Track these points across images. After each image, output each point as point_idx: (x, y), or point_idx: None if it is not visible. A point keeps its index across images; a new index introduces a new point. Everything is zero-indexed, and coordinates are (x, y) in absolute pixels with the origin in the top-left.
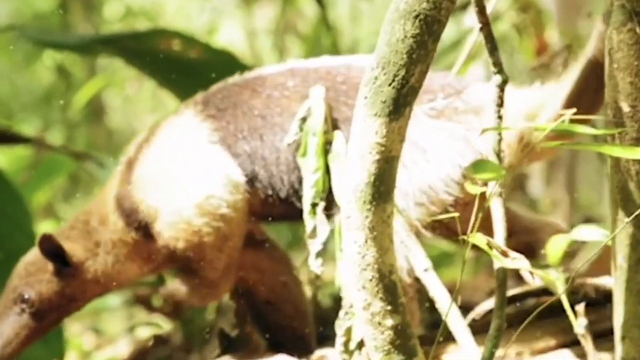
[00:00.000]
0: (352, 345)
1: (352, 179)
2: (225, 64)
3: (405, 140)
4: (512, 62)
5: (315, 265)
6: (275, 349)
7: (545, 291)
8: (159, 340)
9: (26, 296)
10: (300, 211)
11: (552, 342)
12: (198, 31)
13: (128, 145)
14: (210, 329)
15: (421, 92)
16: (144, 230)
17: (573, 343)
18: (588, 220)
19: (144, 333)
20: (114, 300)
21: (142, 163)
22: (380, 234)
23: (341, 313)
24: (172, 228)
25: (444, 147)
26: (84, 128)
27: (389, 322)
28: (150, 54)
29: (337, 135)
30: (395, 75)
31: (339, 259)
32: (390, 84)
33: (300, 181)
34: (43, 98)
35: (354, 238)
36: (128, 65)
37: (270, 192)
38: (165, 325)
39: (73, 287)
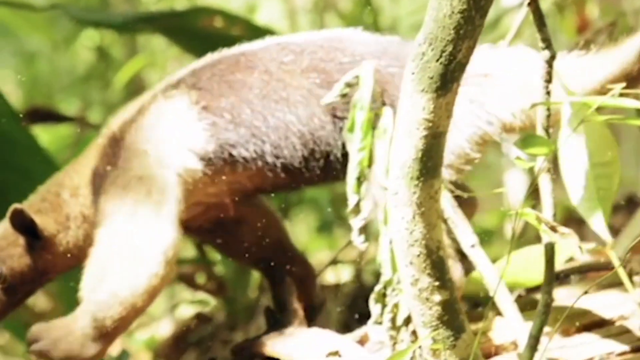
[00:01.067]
0: (399, 321)
1: (399, 155)
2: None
3: None
4: (553, 40)
5: (358, 241)
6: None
7: (591, 267)
8: (202, 318)
9: None
10: (305, 178)
11: (596, 318)
12: (238, 10)
13: (111, 121)
14: (254, 306)
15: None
16: None
17: (619, 319)
18: (630, 199)
19: (187, 311)
20: None
21: (127, 145)
22: (427, 209)
23: (376, 287)
24: None
25: (463, 110)
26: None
27: (437, 297)
28: (192, 32)
29: (385, 111)
30: (442, 51)
31: (382, 236)
32: (437, 60)
33: (309, 151)
34: (83, 78)
35: (401, 214)
36: (169, 43)
37: (276, 165)
38: (209, 303)
39: (45, 260)
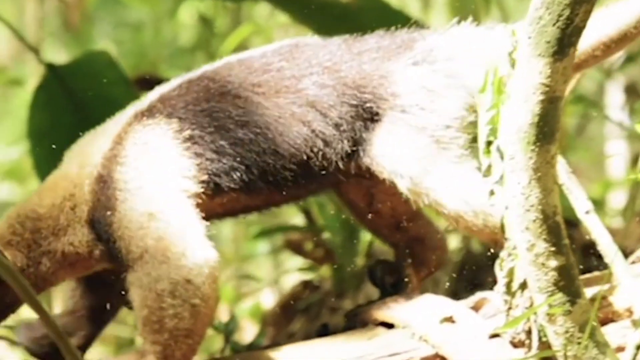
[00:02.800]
0: (515, 286)
1: (515, 120)
2: (377, 10)
3: (416, 87)
4: None
5: (489, 203)
6: None
7: None
8: (310, 286)
9: None
10: (299, 193)
11: None
12: None
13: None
14: (362, 273)
15: (393, 48)
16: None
17: None
18: None
19: (292, 279)
20: (262, 246)
21: (118, 185)
22: (544, 174)
23: (502, 253)
24: None
25: (444, 87)
26: None
27: (553, 263)
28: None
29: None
30: (559, 15)
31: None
32: (554, 24)
33: (300, 168)
34: (187, 48)
35: (517, 179)
36: (279, 11)
37: (265, 188)
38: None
39: (12, 294)
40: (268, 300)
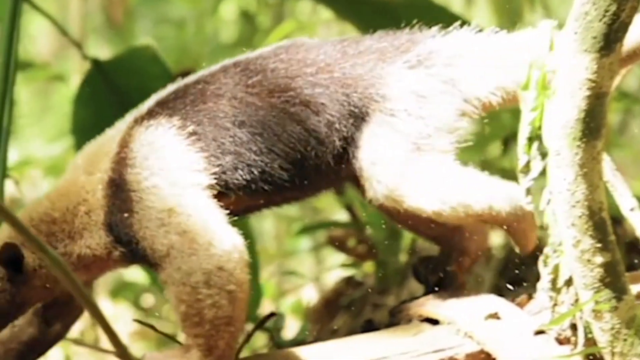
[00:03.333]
0: (560, 283)
1: (561, 116)
2: (419, 6)
3: (407, 91)
4: None
5: (526, 201)
6: None
7: None
8: (353, 282)
9: None
10: (299, 193)
11: None
12: None
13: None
14: (405, 269)
15: (390, 50)
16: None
17: None
18: None
19: (334, 276)
20: (305, 243)
21: (131, 187)
22: (590, 170)
23: (545, 249)
24: None
25: (437, 93)
26: None
27: (599, 259)
28: None
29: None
30: (606, 11)
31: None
32: (600, 20)
33: (297, 168)
34: (229, 45)
35: (563, 175)
36: (322, 7)
37: (265, 189)
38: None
39: (23, 294)
40: (310, 296)
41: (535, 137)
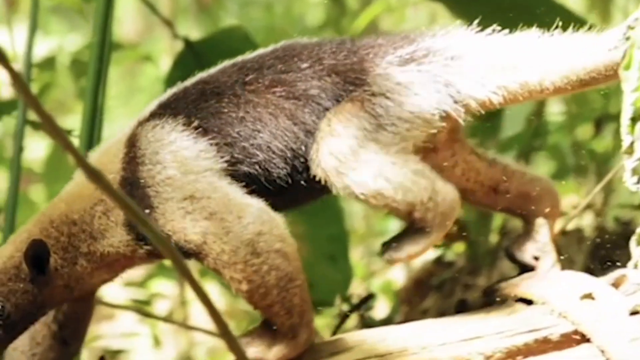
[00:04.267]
0: None
1: None
2: None
3: (392, 81)
4: None
5: (630, 182)
6: None
7: None
8: (443, 262)
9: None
10: (295, 196)
11: None
12: None
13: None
14: (496, 250)
15: (383, 45)
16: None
17: None
18: None
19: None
20: (393, 224)
21: (145, 183)
22: None
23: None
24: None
25: (423, 86)
26: None
27: None
28: None
29: None
30: None
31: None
32: None
33: (291, 167)
34: (317, 26)
35: None
36: None
37: (268, 187)
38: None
39: (45, 295)
40: (399, 277)
41: (638, 117)
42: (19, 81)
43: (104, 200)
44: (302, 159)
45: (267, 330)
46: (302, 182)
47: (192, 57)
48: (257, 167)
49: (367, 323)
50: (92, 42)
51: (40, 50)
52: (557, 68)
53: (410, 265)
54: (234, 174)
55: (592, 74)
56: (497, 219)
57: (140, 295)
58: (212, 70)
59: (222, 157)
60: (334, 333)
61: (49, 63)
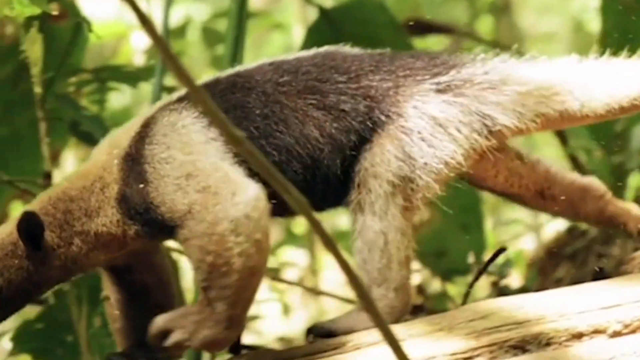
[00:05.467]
0: None
1: None
2: None
3: (426, 114)
4: None
5: None
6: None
7: None
8: (575, 232)
9: None
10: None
11: None
12: None
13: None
14: None
15: (422, 70)
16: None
17: None
18: None
19: (556, 226)
20: None
21: (147, 159)
22: None
23: None
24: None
25: (458, 122)
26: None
27: None
28: None
29: None
30: None
31: None
32: None
33: (310, 174)
34: None
35: None
36: None
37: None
38: None
39: (41, 273)
40: (530, 247)
41: None
42: (163, 46)
43: (103, 177)
44: (322, 171)
45: (202, 311)
46: (317, 192)
47: (326, 25)
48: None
49: (503, 292)
50: (230, 9)
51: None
52: (598, 95)
53: (542, 236)
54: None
55: (634, 102)
56: (630, 190)
57: (270, 263)
58: (250, 65)
59: (232, 152)
60: (467, 292)
61: (180, 32)
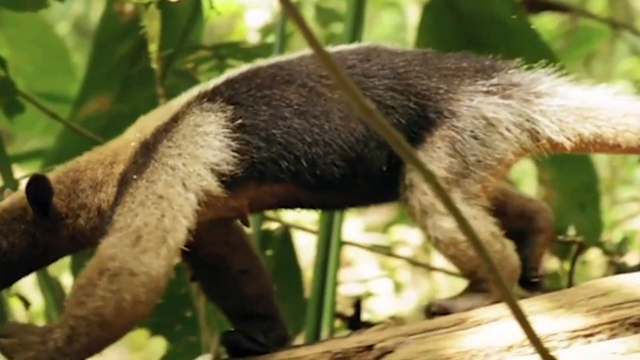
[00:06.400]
0: None
1: None
2: None
3: (478, 113)
4: None
5: None
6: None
7: None
8: None
9: None
10: (343, 198)
11: None
12: None
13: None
14: None
15: (470, 71)
16: None
17: None
18: None
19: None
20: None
21: (157, 156)
22: None
23: None
24: None
25: (508, 122)
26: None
27: None
28: None
29: None
30: None
31: None
32: None
33: (350, 169)
34: None
35: None
36: None
37: (311, 183)
38: None
39: (47, 242)
40: None
41: None
42: (295, 13)
43: (117, 154)
44: (364, 166)
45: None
46: (356, 187)
47: (444, 3)
48: (303, 162)
49: (620, 269)
50: None
51: None
52: (633, 128)
53: None
54: (271, 170)
55: None
56: None
57: (382, 241)
58: (293, 55)
59: (251, 155)
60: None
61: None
